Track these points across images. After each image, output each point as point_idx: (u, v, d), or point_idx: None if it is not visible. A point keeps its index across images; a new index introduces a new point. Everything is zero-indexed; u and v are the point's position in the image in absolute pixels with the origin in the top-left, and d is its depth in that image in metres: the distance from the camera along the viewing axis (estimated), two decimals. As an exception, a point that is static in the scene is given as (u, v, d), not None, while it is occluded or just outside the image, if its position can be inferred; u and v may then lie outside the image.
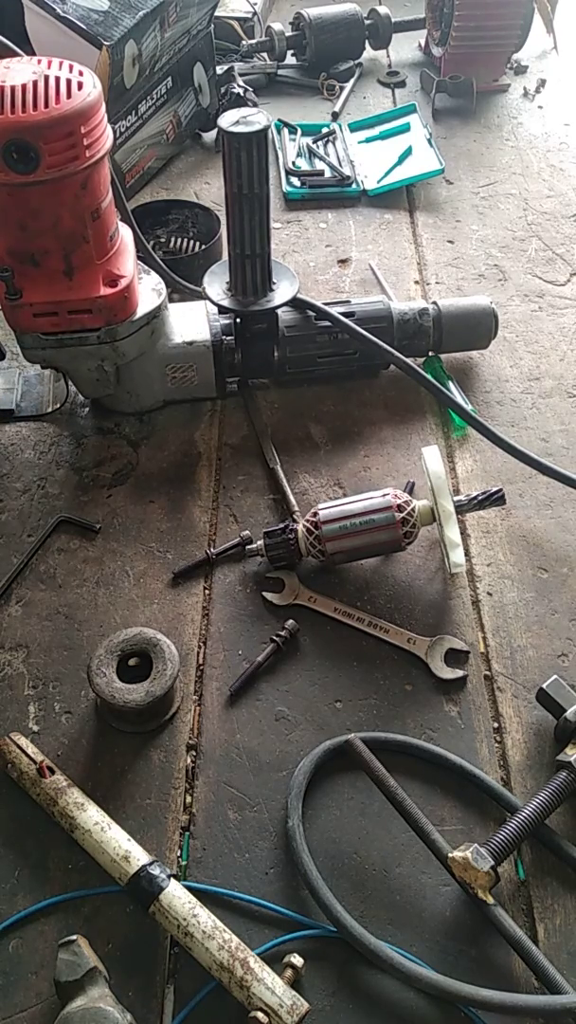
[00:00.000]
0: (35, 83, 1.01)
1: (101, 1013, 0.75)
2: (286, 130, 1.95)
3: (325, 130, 1.96)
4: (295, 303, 1.31)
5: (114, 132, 1.34)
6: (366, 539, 1.10)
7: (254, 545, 1.15)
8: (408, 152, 1.88)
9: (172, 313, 1.32)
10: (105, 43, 1.48)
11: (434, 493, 1.08)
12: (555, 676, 1.00)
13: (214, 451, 1.32)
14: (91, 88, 1.04)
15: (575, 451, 1.31)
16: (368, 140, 1.96)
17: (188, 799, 0.96)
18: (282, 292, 1.29)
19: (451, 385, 1.38)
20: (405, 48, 2.31)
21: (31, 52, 1.28)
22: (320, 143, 1.93)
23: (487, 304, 1.40)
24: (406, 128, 1.96)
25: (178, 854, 0.92)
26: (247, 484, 1.27)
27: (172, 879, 0.85)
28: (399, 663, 1.07)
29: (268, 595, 1.13)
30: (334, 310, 1.33)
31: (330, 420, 1.36)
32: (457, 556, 1.07)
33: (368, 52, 2.25)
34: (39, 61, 1.05)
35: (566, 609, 1.12)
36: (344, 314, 1.32)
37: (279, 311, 1.31)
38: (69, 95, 1.02)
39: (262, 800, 0.95)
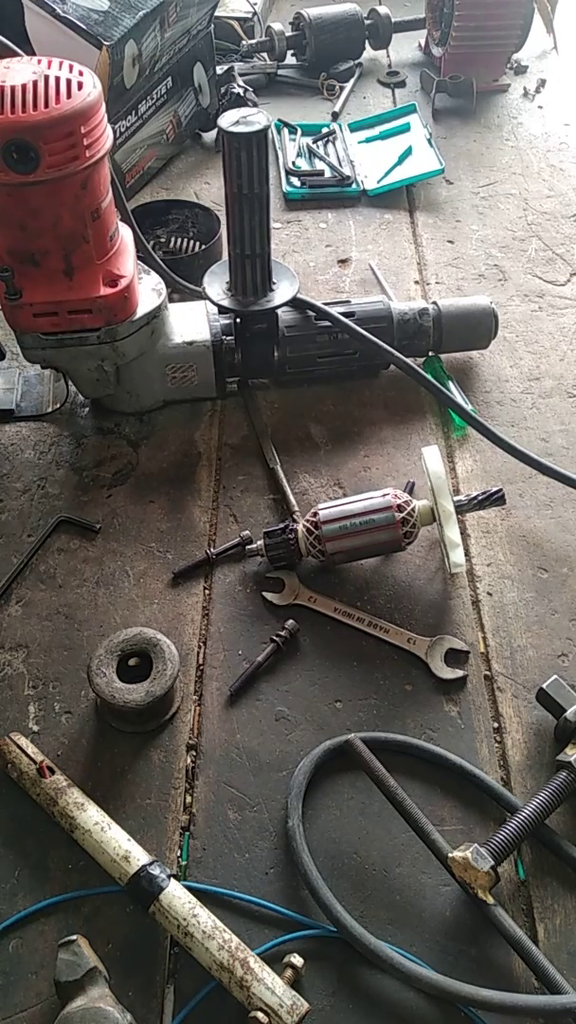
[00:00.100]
0: (35, 83, 1.01)
1: (101, 1013, 0.75)
2: (286, 130, 1.95)
3: (325, 130, 1.96)
4: (295, 303, 1.31)
5: (114, 132, 1.34)
6: (366, 539, 1.10)
7: (254, 545, 1.15)
8: (408, 152, 1.88)
9: (172, 313, 1.32)
10: (105, 43, 1.48)
11: (434, 493, 1.08)
12: (555, 676, 1.00)
13: (214, 451, 1.32)
14: (91, 88, 1.04)
15: (575, 451, 1.31)
16: (368, 140, 1.96)
17: (188, 799, 0.96)
18: (282, 292, 1.29)
19: (451, 385, 1.38)
20: (405, 48, 2.31)
21: (31, 52, 1.28)
22: (320, 143, 1.93)
23: (487, 304, 1.40)
24: (406, 128, 1.96)
25: (178, 854, 0.92)
26: (247, 484, 1.27)
27: (172, 879, 0.85)
28: (399, 663, 1.07)
29: (268, 595, 1.13)
30: (334, 310, 1.33)
31: (330, 420, 1.36)
32: (457, 556, 1.07)
33: (368, 52, 2.25)
34: (39, 61, 1.05)
35: (566, 609, 1.12)
36: (344, 314, 1.32)
37: (279, 311, 1.31)
38: (69, 95, 1.02)
39: (262, 800, 0.95)
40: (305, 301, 1.32)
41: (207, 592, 1.15)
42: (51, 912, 0.88)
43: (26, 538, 1.20)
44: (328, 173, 1.84)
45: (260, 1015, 0.76)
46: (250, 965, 0.79)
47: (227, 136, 1.12)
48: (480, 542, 1.20)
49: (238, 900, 0.88)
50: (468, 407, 1.31)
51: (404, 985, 0.82)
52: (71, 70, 1.05)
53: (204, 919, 0.82)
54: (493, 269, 1.65)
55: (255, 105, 1.92)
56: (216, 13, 1.87)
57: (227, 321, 1.33)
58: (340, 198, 1.81)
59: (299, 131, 1.96)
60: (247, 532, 1.18)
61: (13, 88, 1.00)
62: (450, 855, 0.86)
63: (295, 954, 0.82)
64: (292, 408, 1.38)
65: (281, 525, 1.14)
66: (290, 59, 2.22)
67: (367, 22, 2.19)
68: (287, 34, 2.17)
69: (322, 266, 1.65)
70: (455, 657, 1.07)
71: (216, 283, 1.30)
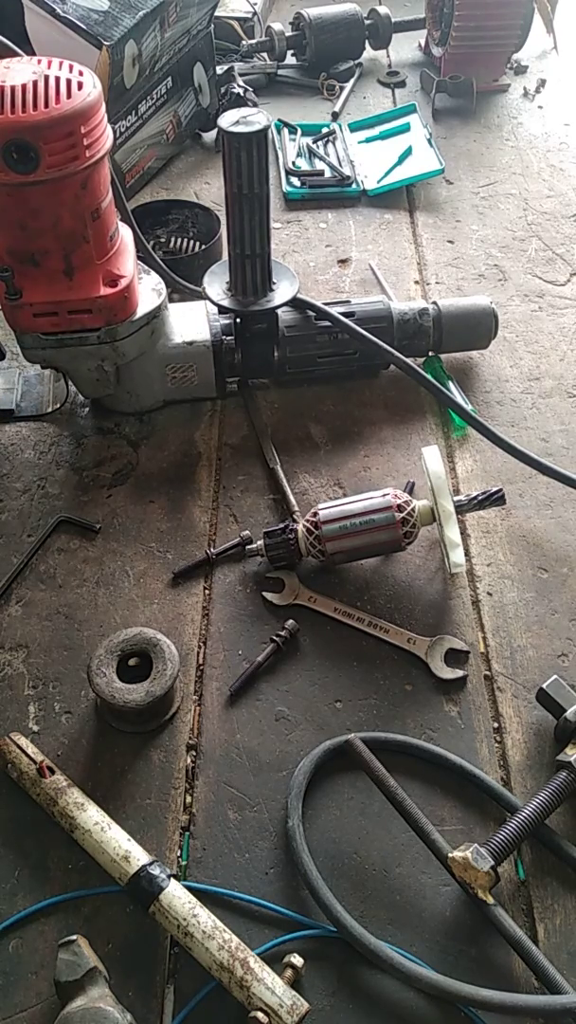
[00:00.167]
0: (35, 83, 1.01)
1: (101, 1013, 0.75)
2: (286, 130, 1.95)
3: (325, 130, 1.96)
4: (295, 303, 1.31)
5: (114, 132, 1.34)
6: (366, 539, 1.10)
7: (254, 545, 1.15)
8: (408, 152, 1.88)
9: (172, 313, 1.32)
10: (105, 43, 1.48)
11: (434, 493, 1.08)
12: (555, 676, 1.00)
13: (214, 451, 1.32)
14: (91, 88, 1.04)
15: (575, 451, 1.31)
16: (368, 140, 1.96)
17: (188, 799, 0.96)
18: (282, 292, 1.29)
19: (451, 385, 1.38)
20: (405, 48, 2.31)
21: (31, 52, 1.28)
22: (320, 143, 1.93)
23: (487, 304, 1.40)
24: (406, 128, 1.96)
25: (178, 854, 0.92)
26: (247, 484, 1.27)
27: (172, 879, 0.85)
28: (399, 663, 1.07)
29: (268, 595, 1.13)
30: (334, 310, 1.33)
31: (330, 420, 1.36)
32: (457, 556, 1.07)
33: (368, 52, 2.25)
34: (39, 61, 1.05)
35: (566, 609, 1.12)
36: (344, 314, 1.32)
37: (279, 311, 1.31)
38: (69, 95, 1.02)
39: (262, 800, 0.95)
40: (305, 301, 1.32)
41: (207, 592, 1.15)
42: (51, 912, 0.88)
43: (26, 538, 1.20)
44: (328, 173, 1.84)
45: (260, 1015, 0.76)
46: (250, 965, 0.79)
47: (227, 136, 1.12)
48: (480, 542, 1.20)
49: (238, 900, 0.88)
50: (468, 407, 1.31)
51: (404, 985, 0.82)
52: (71, 70, 1.05)
53: (204, 919, 0.82)
54: (493, 269, 1.65)
55: (255, 105, 1.92)
56: (216, 13, 1.87)
57: (227, 321, 1.33)
58: (340, 198, 1.81)
59: (299, 131, 1.96)
60: (247, 532, 1.18)
61: (13, 88, 1.00)
62: (450, 855, 0.86)
63: (295, 954, 0.82)
64: (292, 408, 1.38)
65: (281, 525, 1.14)
66: (290, 59, 2.22)
67: (367, 22, 2.19)
68: (287, 34, 2.17)
69: (322, 266, 1.65)
70: (455, 657, 1.07)
71: (216, 283, 1.30)
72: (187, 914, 0.82)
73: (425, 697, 1.04)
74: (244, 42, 2.18)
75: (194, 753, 0.99)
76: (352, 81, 2.17)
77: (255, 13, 2.22)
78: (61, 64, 1.05)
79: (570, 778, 0.91)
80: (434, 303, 1.40)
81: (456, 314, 1.39)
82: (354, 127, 2.00)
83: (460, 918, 0.88)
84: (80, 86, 1.03)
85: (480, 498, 1.14)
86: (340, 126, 1.98)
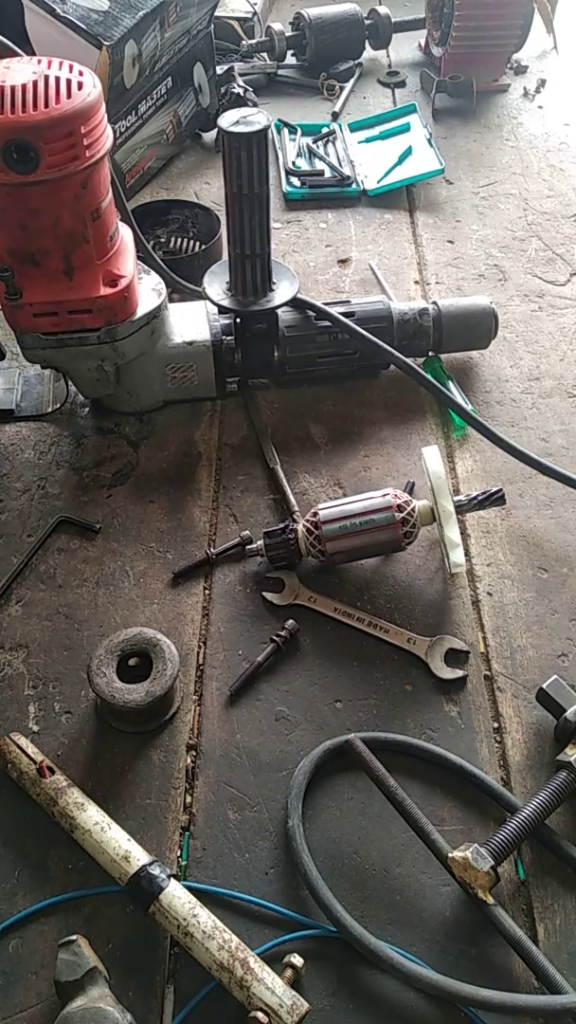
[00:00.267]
0: (35, 83, 1.01)
1: (101, 1013, 0.75)
2: (286, 130, 1.95)
3: (325, 130, 1.96)
4: (295, 303, 1.31)
5: (114, 132, 1.34)
6: (366, 539, 1.10)
7: (254, 545, 1.15)
8: (408, 152, 1.88)
9: (172, 313, 1.32)
10: (105, 43, 1.48)
11: (434, 493, 1.08)
12: (555, 676, 1.00)
13: (214, 451, 1.32)
14: (91, 88, 1.04)
15: (575, 451, 1.31)
16: (368, 140, 1.96)
17: (188, 799, 0.96)
18: (282, 292, 1.29)
19: (451, 385, 1.38)
20: (405, 48, 2.31)
21: (31, 52, 1.28)
22: (320, 143, 1.93)
23: (487, 304, 1.40)
24: (406, 128, 1.96)
25: (178, 854, 0.92)
26: (247, 484, 1.27)
27: (172, 879, 0.85)
28: (399, 663, 1.07)
29: (268, 595, 1.13)
30: (334, 310, 1.33)
31: (330, 420, 1.36)
32: (457, 556, 1.07)
33: (368, 52, 2.25)
34: (39, 61, 1.05)
35: (566, 609, 1.12)
36: (344, 314, 1.32)
37: (279, 311, 1.31)
38: (69, 95, 1.02)
39: (262, 800, 0.95)
40: (305, 301, 1.32)
41: (207, 592, 1.15)
42: (51, 912, 0.88)
43: (26, 538, 1.20)
44: (328, 173, 1.84)
45: (260, 1015, 0.76)
46: (250, 965, 0.79)
47: (227, 136, 1.12)
48: (480, 542, 1.20)
49: (238, 900, 0.88)
50: (468, 407, 1.31)
51: (404, 985, 0.82)
52: (71, 70, 1.05)
53: (204, 919, 0.82)
54: (493, 269, 1.65)
55: (255, 105, 1.92)
56: (216, 13, 1.87)
57: (227, 321, 1.33)
58: (340, 198, 1.81)
59: (299, 131, 1.96)
60: (247, 532, 1.18)
61: (13, 88, 1.00)
62: (450, 855, 0.86)
63: (295, 954, 0.82)
64: (292, 408, 1.38)
65: (281, 525, 1.14)
66: (290, 59, 2.22)
67: (367, 22, 2.19)
68: (287, 34, 2.17)
69: (322, 266, 1.65)
70: (455, 657, 1.07)
71: (216, 283, 1.30)
72: (187, 914, 0.82)
73: (425, 697, 1.04)
74: (244, 42, 2.18)
75: (194, 753, 0.99)
76: (352, 81, 2.17)
77: (255, 13, 2.22)
78: (61, 64, 1.05)
79: (570, 778, 0.91)
80: (434, 303, 1.40)
81: (456, 314, 1.39)
82: (354, 127, 2.00)
83: (460, 918, 0.88)
84: (80, 86, 1.03)
85: (480, 498, 1.14)
86: (340, 126, 1.98)
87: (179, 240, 1.69)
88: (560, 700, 0.98)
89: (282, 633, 1.07)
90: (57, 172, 1.04)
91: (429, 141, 1.89)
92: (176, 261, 1.52)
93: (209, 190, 1.83)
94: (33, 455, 1.31)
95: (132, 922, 0.87)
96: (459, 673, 1.05)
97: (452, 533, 1.07)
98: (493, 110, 2.10)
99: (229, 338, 1.32)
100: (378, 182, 1.82)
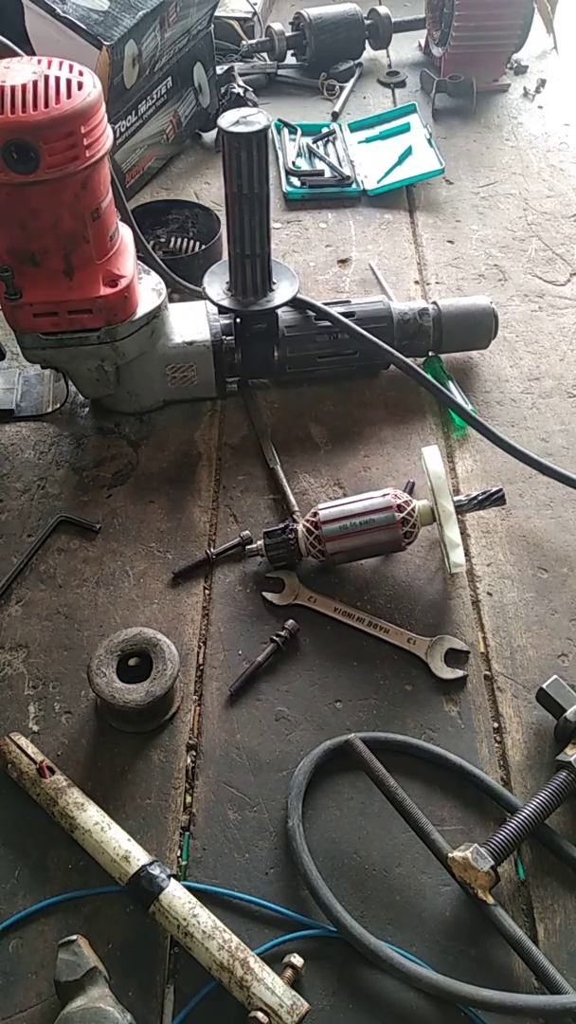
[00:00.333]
0: (35, 83, 1.01)
1: (101, 1013, 0.75)
2: (286, 130, 1.95)
3: (325, 130, 1.96)
4: (295, 303, 1.31)
5: (114, 132, 1.34)
6: (366, 539, 1.10)
7: (254, 545, 1.15)
8: (408, 152, 1.88)
9: (172, 313, 1.32)
10: (105, 43, 1.48)
11: (434, 493, 1.08)
12: (555, 676, 1.00)
13: (214, 451, 1.32)
14: (91, 88, 1.04)
15: (575, 451, 1.31)
16: (368, 140, 1.96)
17: (188, 799, 0.96)
18: (282, 292, 1.29)
19: (451, 385, 1.38)
20: (405, 48, 2.31)
21: (31, 52, 1.28)
22: (320, 143, 1.93)
23: (487, 304, 1.40)
24: (406, 128, 1.96)
25: (178, 854, 0.92)
26: (247, 484, 1.27)
27: (172, 879, 0.85)
28: (399, 663, 1.07)
29: (268, 595, 1.13)
30: (334, 310, 1.33)
31: (330, 420, 1.36)
32: (457, 556, 1.07)
33: (368, 52, 2.25)
34: (39, 61, 1.05)
35: (566, 609, 1.12)
36: (344, 314, 1.32)
37: (279, 311, 1.31)
38: (69, 95, 1.02)
39: (262, 800, 0.95)
40: (305, 301, 1.32)
41: (207, 592, 1.15)
42: (51, 912, 0.88)
43: (26, 538, 1.20)
44: (328, 173, 1.84)
45: (260, 1015, 0.76)
46: (250, 965, 0.79)
47: (227, 136, 1.12)
48: (480, 542, 1.20)
49: (238, 900, 0.88)
50: (468, 407, 1.31)
51: (404, 985, 0.82)
52: (71, 70, 1.05)
53: (204, 919, 0.82)
54: (493, 269, 1.65)
55: (255, 105, 1.92)
56: (216, 13, 1.87)
57: (227, 321, 1.33)
58: (340, 198, 1.81)
59: (299, 131, 1.96)
60: (247, 532, 1.18)
61: (13, 88, 1.00)
62: (450, 855, 0.86)
63: (295, 954, 0.82)
64: (292, 408, 1.38)
65: (281, 525, 1.14)
66: (290, 59, 2.22)
67: (367, 22, 2.19)
68: (287, 34, 2.17)
69: (322, 266, 1.65)
70: (455, 657, 1.07)
71: (216, 283, 1.30)
72: (187, 914, 0.82)
73: (425, 697, 1.04)
74: (244, 42, 2.18)
75: (194, 753, 0.99)
76: (352, 81, 2.17)
77: (255, 13, 2.22)
78: (61, 64, 1.05)
79: (570, 778, 0.91)
80: (434, 303, 1.40)
81: (456, 314, 1.39)
82: (354, 127, 2.00)
83: (460, 918, 0.88)
84: (80, 86, 1.03)
85: (480, 498, 1.14)
86: (340, 126, 1.98)
87: (179, 240, 1.69)
88: (560, 700, 0.98)
89: (282, 633, 1.07)
90: (57, 172, 1.04)
91: (429, 141, 1.89)
92: (176, 261, 1.52)
93: (209, 190, 1.83)
94: (33, 455, 1.31)
95: (132, 922, 0.87)
96: (459, 673, 1.05)
97: (452, 533, 1.07)
98: (493, 110, 2.10)
99: (229, 338, 1.32)
100: (378, 182, 1.82)
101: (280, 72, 2.19)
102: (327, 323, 1.32)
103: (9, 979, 0.83)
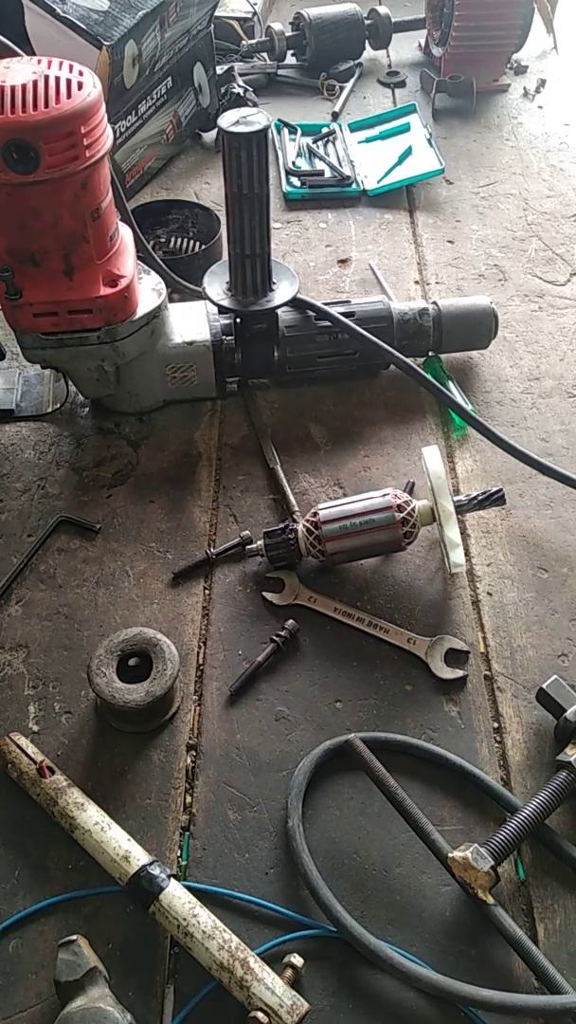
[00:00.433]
0: (35, 83, 1.01)
1: (101, 1013, 0.75)
2: (286, 130, 1.95)
3: (325, 130, 1.96)
4: (295, 303, 1.31)
5: (114, 132, 1.34)
6: (366, 539, 1.10)
7: (254, 545, 1.15)
8: (408, 152, 1.88)
9: (172, 313, 1.32)
10: (105, 43, 1.48)
11: (434, 493, 1.08)
12: (555, 676, 1.00)
13: (214, 451, 1.32)
14: (91, 88, 1.04)
15: (575, 451, 1.31)
16: (368, 140, 1.96)
17: (188, 799, 0.96)
18: (282, 292, 1.29)
19: (451, 385, 1.38)
20: (405, 48, 2.31)
21: (31, 52, 1.28)
22: (320, 143, 1.93)
23: (487, 304, 1.40)
24: (406, 128, 1.96)
25: (178, 854, 0.92)
26: (247, 484, 1.27)
27: (172, 879, 0.85)
28: (399, 663, 1.07)
29: (268, 595, 1.13)
30: (334, 310, 1.33)
31: (330, 420, 1.36)
32: (457, 556, 1.07)
33: (368, 52, 2.25)
34: (39, 61, 1.05)
35: (566, 609, 1.12)
36: (344, 314, 1.32)
37: (279, 311, 1.31)
38: (69, 95, 1.02)
39: (262, 800, 0.95)
40: (305, 301, 1.32)
41: (207, 592, 1.15)
42: (51, 912, 0.88)
43: (26, 538, 1.20)
44: (328, 173, 1.84)
45: (260, 1015, 0.76)
46: (250, 965, 0.79)
47: (227, 136, 1.12)
48: (480, 542, 1.20)
49: (238, 900, 0.88)
50: (468, 407, 1.31)
51: (404, 985, 0.82)
52: (71, 70, 1.05)
53: (204, 919, 0.82)
54: (493, 269, 1.65)
55: (255, 105, 1.92)
56: (216, 13, 1.87)
57: (227, 321, 1.33)
58: (340, 198, 1.81)
59: (299, 131, 1.96)
60: (247, 532, 1.18)
61: (13, 88, 1.00)
62: (450, 855, 0.86)
63: (295, 954, 0.82)
64: (292, 408, 1.38)
65: (281, 525, 1.14)
66: (290, 59, 2.22)
67: (367, 22, 2.19)
68: (287, 34, 2.17)
69: (322, 266, 1.65)
70: (455, 657, 1.07)
71: (216, 283, 1.30)
72: (187, 914, 0.82)
73: (425, 697, 1.04)
74: (244, 42, 2.18)
75: (194, 753, 0.99)
76: (352, 81, 2.17)
77: (255, 13, 2.22)
78: (61, 64, 1.05)
79: (570, 778, 0.91)
80: (434, 303, 1.40)
81: (456, 314, 1.39)
82: (354, 127, 2.00)
83: (460, 918, 0.88)
84: (80, 86, 1.03)
85: (480, 498, 1.14)
86: (340, 126, 1.98)
87: (179, 240, 1.69)
88: (560, 700, 0.98)
89: (282, 633, 1.07)
90: (57, 172, 1.04)
91: (429, 141, 1.89)
92: (176, 261, 1.52)
93: (209, 190, 1.83)
94: (33, 455, 1.31)
95: (132, 922, 0.87)
96: (459, 673, 1.05)
97: (452, 533, 1.07)
98: (493, 110, 2.10)
99: (229, 338, 1.32)
100: (378, 182, 1.82)
101: (280, 72, 2.19)
102: (327, 323, 1.32)
103: (9, 979, 0.83)
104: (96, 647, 1.02)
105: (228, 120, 1.12)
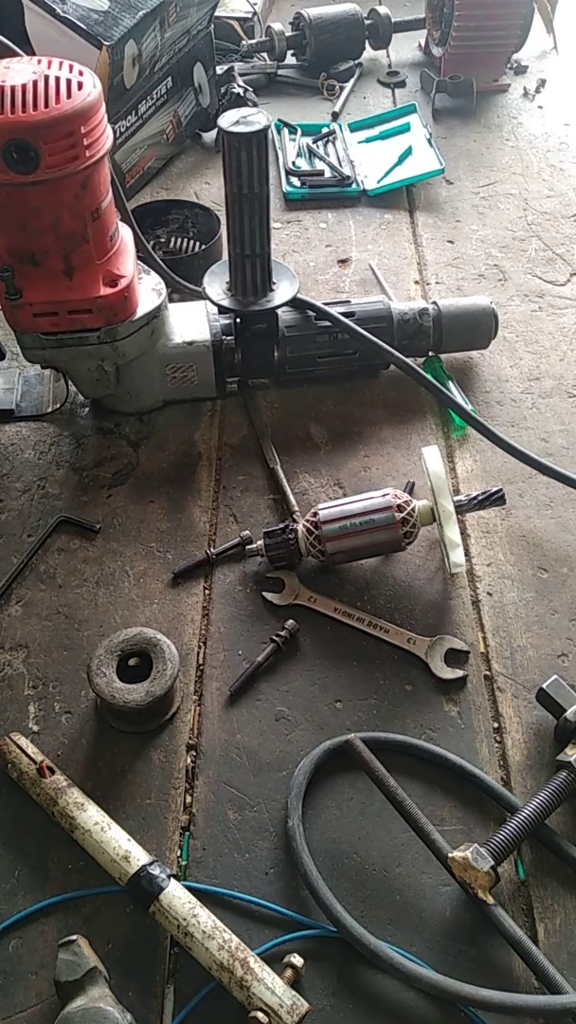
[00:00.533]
0: (35, 83, 1.01)
1: (101, 1013, 0.75)
2: (286, 130, 1.95)
3: (325, 130, 1.96)
4: (295, 303, 1.31)
5: (114, 132, 1.34)
6: (366, 539, 1.10)
7: (254, 545, 1.15)
8: (408, 152, 1.88)
9: (172, 313, 1.32)
10: (105, 43, 1.48)
11: (434, 493, 1.08)
12: (555, 676, 1.00)
13: (214, 451, 1.32)
14: (91, 88, 1.04)
15: (575, 451, 1.31)
16: (368, 140, 1.96)
17: (188, 799, 0.96)
18: (282, 292, 1.29)
19: (451, 385, 1.38)
20: (405, 48, 2.31)
21: (31, 52, 1.28)
22: (320, 143, 1.93)
23: (487, 304, 1.40)
24: (406, 128, 1.96)
25: (178, 854, 0.92)
26: (247, 484, 1.27)
27: (172, 879, 0.85)
28: (399, 663, 1.07)
29: (268, 595, 1.13)
30: (334, 310, 1.33)
31: (330, 420, 1.36)
32: (457, 556, 1.07)
33: (368, 52, 2.25)
34: (39, 61, 1.05)
35: (566, 609, 1.12)
36: (344, 314, 1.32)
37: (279, 311, 1.31)
38: (69, 95, 1.02)
39: (262, 800, 0.95)
40: (305, 301, 1.32)
41: (207, 592, 1.15)
42: (51, 912, 0.88)
43: (26, 538, 1.20)
44: (328, 173, 1.84)
45: (260, 1015, 0.76)
46: (250, 965, 0.79)
47: (227, 136, 1.12)
48: (480, 542, 1.20)
49: (238, 900, 0.88)
50: (468, 407, 1.31)
51: (404, 985, 0.82)
52: (71, 70, 1.05)
53: (204, 919, 0.82)
54: (493, 269, 1.65)
55: (255, 105, 1.92)
56: (216, 13, 1.87)
57: (227, 321, 1.33)
58: (340, 198, 1.81)
59: (299, 131, 1.96)
60: (247, 532, 1.18)
61: (13, 88, 1.00)
62: (450, 855, 0.86)
63: (295, 954, 0.82)
64: (292, 408, 1.38)
65: (281, 525, 1.14)
66: (290, 59, 2.22)
67: (367, 22, 2.19)
68: (287, 34, 2.17)
69: (322, 266, 1.65)
70: (455, 657, 1.07)
71: (216, 283, 1.30)
72: (187, 914, 0.82)
73: (425, 697, 1.04)
74: (244, 42, 2.18)
75: (194, 753, 0.99)
76: (352, 81, 2.17)
77: (255, 13, 2.22)
78: (61, 64, 1.05)
79: (570, 778, 0.91)
80: (434, 303, 1.40)
81: (456, 314, 1.39)
82: (354, 127, 2.00)
83: (460, 918, 0.88)
84: (80, 86, 1.03)
85: (480, 498, 1.14)
86: (340, 126, 1.98)
87: (179, 240, 1.69)
88: (560, 700, 0.98)
89: (282, 633, 1.07)
90: (57, 172, 1.04)
91: (429, 141, 1.89)
92: (176, 261, 1.52)
93: (209, 190, 1.83)
94: (33, 455, 1.31)
95: (132, 922, 0.87)
96: (459, 673, 1.05)
97: (452, 533, 1.07)
98: (493, 110, 2.10)
99: (229, 338, 1.32)
100: (378, 182, 1.82)
101: (280, 72, 2.19)
102: (327, 323, 1.32)
103: (9, 979, 0.83)
104: (96, 647, 1.02)
105: (228, 120, 1.12)
